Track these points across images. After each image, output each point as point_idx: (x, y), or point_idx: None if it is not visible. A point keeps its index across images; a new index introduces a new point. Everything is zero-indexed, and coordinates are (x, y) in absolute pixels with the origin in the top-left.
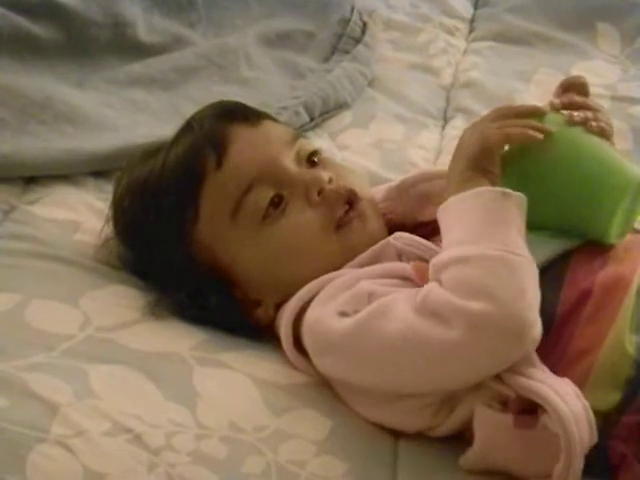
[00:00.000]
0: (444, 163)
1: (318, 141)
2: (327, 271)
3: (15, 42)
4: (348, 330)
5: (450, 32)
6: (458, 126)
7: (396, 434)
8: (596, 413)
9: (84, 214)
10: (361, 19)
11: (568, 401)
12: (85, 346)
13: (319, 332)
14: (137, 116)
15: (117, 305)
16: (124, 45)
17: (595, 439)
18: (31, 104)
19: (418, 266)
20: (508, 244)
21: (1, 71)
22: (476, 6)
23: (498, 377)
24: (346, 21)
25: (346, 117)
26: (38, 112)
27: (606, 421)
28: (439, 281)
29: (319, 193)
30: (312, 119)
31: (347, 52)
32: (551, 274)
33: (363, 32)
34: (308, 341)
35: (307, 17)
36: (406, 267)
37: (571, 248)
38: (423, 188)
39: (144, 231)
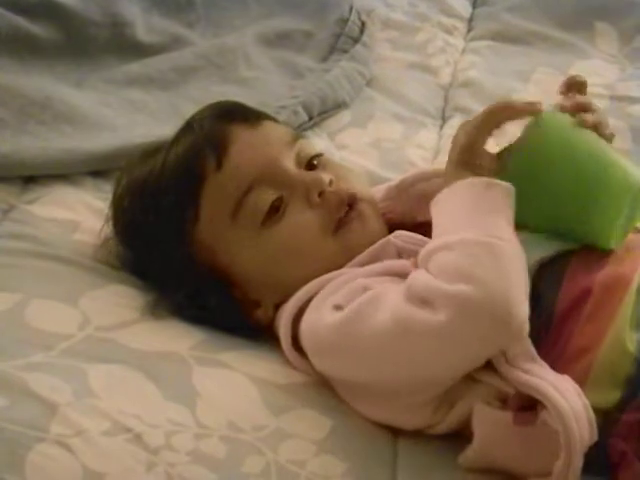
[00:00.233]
0: (442, 162)
1: (317, 140)
2: (327, 272)
3: (14, 42)
4: (341, 321)
5: (448, 31)
6: (456, 125)
7: (395, 433)
8: (596, 411)
9: (83, 214)
10: (359, 18)
11: (568, 398)
12: (84, 346)
13: (315, 332)
14: (135, 116)
15: (116, 305)
16: (123, 45)
17: (595, 437)
18: (30, 104)
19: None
20: (492, 230)
21: (0, 71)
22: (474, 5)
23: (496, 372)
24: (344, 21)
25: (344, 117)
26: (37, 112)
27: (606, 419)
28: (427, 269)
29: (319, 195)
30: (311, 118)
31: (345, 52)
32: (551, 272)
33: (361, 32)
34: (306, 342)
35: (305, 17)
36: (406, 264)
37: (571, 248)
38: (422, 187)
39: (143, 231)
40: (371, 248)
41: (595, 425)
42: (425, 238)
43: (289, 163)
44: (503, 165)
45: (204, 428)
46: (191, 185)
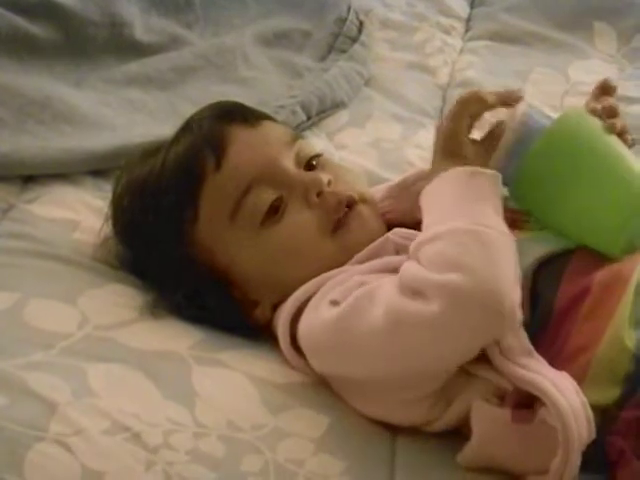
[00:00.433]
0: None
1: (315, 140)
2: (326, 271)
3: (13, 42)
4: (337, 316)
5: (446, 31)
6: None
7: (394, 432)
8: (594, 409)
9: (82, 213)
10: (357, 18)
11: (567, 395)
12: (83, 345)
13: (313, 330)
14: (134, 116)
15: (115, 304)
16: (121, 45)
17: (593, 435)
18: (29, 103)
19: None
20: (480, 218)
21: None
22: (472, 5)
23: (494, 366)
24: (343, 20)
25: (343, 116)
26: (36, 111)
27: (605, 417)
28: (417, 260)
29: (318, 195)
30: (309, 118)
31: (344, 51)
32: (550, 271)
33: (360, 31)
34: (303, 340)
35: (304, 16)
36: (403, 260)
37: (572, 247)
38: (423, 186)
39: (142, 231)
40: (370, 246)
41: (593, 423)
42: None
43: (288, 163)
44: (489, 151)
45: (203, 427)
46: (190, 185)
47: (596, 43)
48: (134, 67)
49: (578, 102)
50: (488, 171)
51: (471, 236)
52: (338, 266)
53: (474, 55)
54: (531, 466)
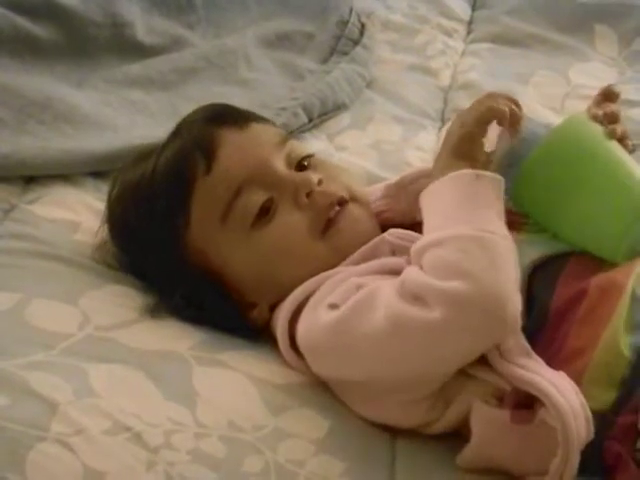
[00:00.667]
0: None
1: (316, 142)
2: (319, 272)
3: (14, 42)
4: (337, 319)
5: (448, 34)
6: None
7: (394, 433)
8: (591, 411)
9: (83, 214)
10: (359, 20)
11: (566, 395)
12: (84, 345)
13: (312, 333)
14: (136, 117)
15: (116, 304)
16: (123, 45)
17: (592, 435)
18: (30, 104)
19: None
20: (481, 223)
21: (0, 71)
22: (474, 8)
23: (492, 367)
24: (344, 23)
25: (344, 118)
26: (37, 112)
27: (601, 421)
28: (420, 266)
29: (308, 195)
30: (311, 120)
31: (345, 54)
32: (545, 272)
33: (361, 34)
34: (302, 342)
35: (306, 19)
36: (400, 261)
37: (568, 250)
38: (421, 185)
39: (137, 235)
40: (366, 246)
41: (592, 424)
42: (420, 235)
43: (279, 164)
44: (499, 158)
45: (204, 427)
46: (181, 190)
47: (597, 46)
48: (135, 68)
49: (579, 104)
50: (492, 175)
51: (475, 242)
52: (331, 266)
53: (476, 57)
54: (531, 467)
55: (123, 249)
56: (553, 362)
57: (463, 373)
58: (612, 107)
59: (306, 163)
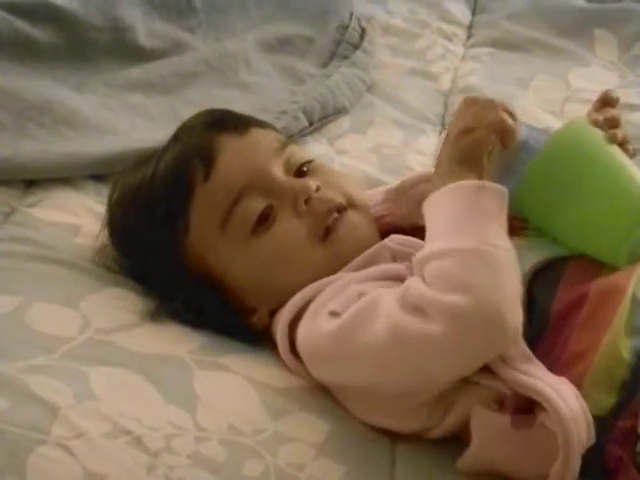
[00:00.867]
0: None
1: (317, 146)
2: (319, 278)
3: (14, 45)
4: (338, 328)
5: (448, 38)
6: None
7: (394, 437)
8: (592, 415)
9: (84, 217)
10: (360, 25)
11: (567, 400)
12: (85, 348)
13: (312, 339)
14: (136, 120)
15: (117, 308)
16: (123, 49)
17: (593, 440)
18: (30, 107)
19: None
20: (485, 236)
21: (0, 74)
22: (474, 12)
23: (493, 372)
24: (345, 27)
25: (345, 122)
26: (37, 115)
27: (602, 425)
28: (422, 276)
29: (306, 202)
30: (311, 124)
31: (346, 58)
32: (546, 277)
33: (362, 38)
34: (302, 348)
35: (306, 23)
36: (400, 268)
37: (567, 255)
38: (421, 190)
39: (137, 240)
40: (367, 252)
41: (593, 428)
42: (420, 241)
43: (277, 170)
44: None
45: (204, 431)
46: (180, 195)
47: (597, 50)
48: (136, 72)
49: (579, 109)
50: (496, 185)
51: (478, 256)
52: (332, 272)
53: (476, 62)
54: (531, 471)
55: (123, 253)
56: (554, 366)
57: (463, 378)
58: (612, 112)
59: (305, 169)
